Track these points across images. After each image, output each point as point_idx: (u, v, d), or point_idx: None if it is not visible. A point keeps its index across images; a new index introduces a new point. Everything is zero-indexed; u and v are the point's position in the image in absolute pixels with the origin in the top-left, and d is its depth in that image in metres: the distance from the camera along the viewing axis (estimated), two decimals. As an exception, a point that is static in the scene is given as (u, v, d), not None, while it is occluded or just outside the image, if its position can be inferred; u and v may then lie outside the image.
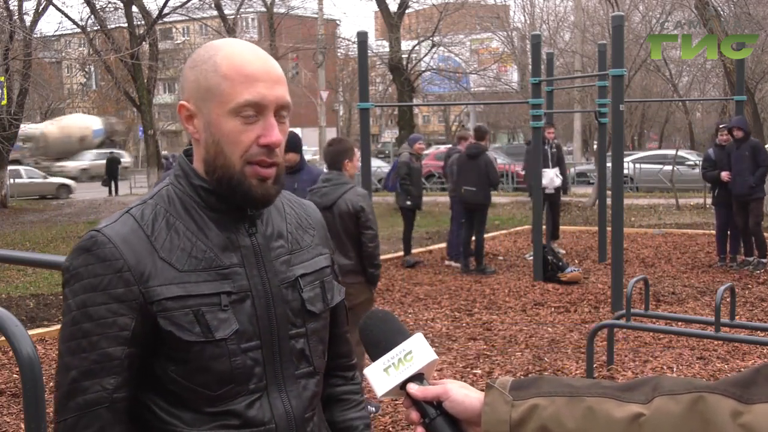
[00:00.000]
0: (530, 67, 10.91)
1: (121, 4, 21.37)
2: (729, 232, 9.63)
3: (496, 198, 14.26)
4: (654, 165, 23.10)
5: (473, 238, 9.84)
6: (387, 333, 1.23)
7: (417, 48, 26.68)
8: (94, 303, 1.30)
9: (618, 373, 5.55)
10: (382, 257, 5.89)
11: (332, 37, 32.50)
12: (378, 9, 25.48)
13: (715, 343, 6.03)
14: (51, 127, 35.82)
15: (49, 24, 77.68)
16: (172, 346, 1.32)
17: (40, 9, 20.61)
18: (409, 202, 10.30)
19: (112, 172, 28.71)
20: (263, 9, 29.68)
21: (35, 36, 20.85)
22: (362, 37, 9.14)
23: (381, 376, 1.19)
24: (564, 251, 10.84)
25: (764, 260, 9.24)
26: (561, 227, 11.79)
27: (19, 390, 5.17)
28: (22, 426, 4.25)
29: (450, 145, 15.67)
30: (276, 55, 24.73)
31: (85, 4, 20.20)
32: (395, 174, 10.69)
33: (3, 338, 2.61)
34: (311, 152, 34.33)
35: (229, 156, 1.36)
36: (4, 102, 17.77)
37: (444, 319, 7.36)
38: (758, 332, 5.43)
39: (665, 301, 7.75)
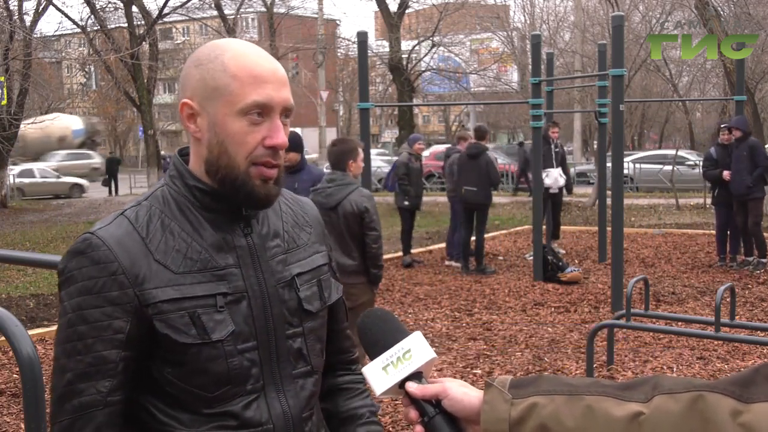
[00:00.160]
0: (530, 67, 10.91)
1: (121, 4, 21.39)
2: (729, 232, 9.63)
3: (496, 198, 14.25)
4: (654, 165, 23.10)
5: (473, 238, 9.84)
6: (385, 331, 1.23)
7: (417, 48, 26.70)
8: (89, 306, 1.29)
9: (618, 373, 5.55)
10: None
11: (332, 37, 32.52)
12: (378, 9, 25.50)
13: (715, 343, 6.03)
14: (30, 127, 35.40)
15: (49, 24, 77.79)
16: (168, 349, 1.32)
17: (40, 9, 20.62)
18: (406, 203, 10.27)
19: (112, 172, 28.71)
20: (263, 9, 29.69)
21: (35, 36, 20.85)
22: (362, 37, 9.14)
23: (379, 374, 1.19)
24: (564, 251, 10.84)
25: (764, 260, 9.24)
26: (561, 227, 11.79)
27: (19, 390, 5.18)
28: (22, 426, 4.25)
29: (449, 145, 15.66)
30: (276, 55, 24.72)
31: (85, 4, 20.22)
32: (394, 174, 10.68)
33: (3, 338, 2.60)
34: (312, 152, 34.34)
35: (233, 156, 1.35)
36: (4, 102, 17.76)
37: (444, 319, 7.36)
38: (758, 332, 5.43)
39: (665, 301, 7.75)
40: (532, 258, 9.49)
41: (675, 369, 5.62)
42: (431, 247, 11.74)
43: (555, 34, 27.64)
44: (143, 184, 26.83)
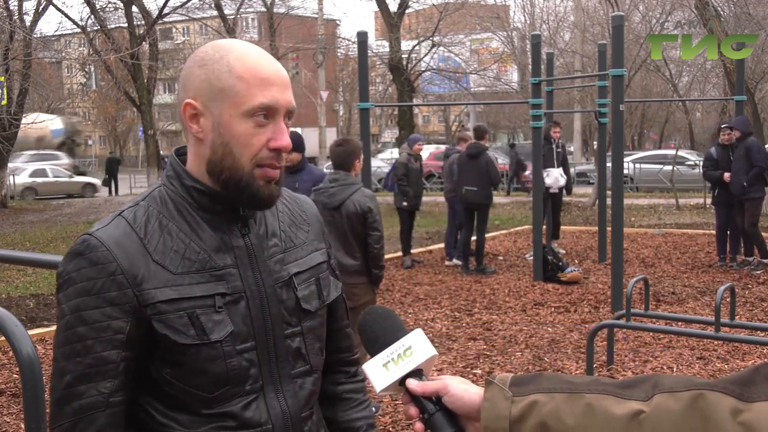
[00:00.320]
0: (530, 67, 10.91)
1: (121, 4, 21.40)
2: (729, 232, 9.64)
3: (496, 198, 14.25)
4: (654, 165, 23.11)
5: (474, 237, 9.84)
6: (386, 329, 1.23)
7: (417, 48, 26.68)
8: (88, 307, 1.29)
9: (618, 373, 5.55)
10: (382, 257, 5.90)
11: (332, 37, 32.50)
12: (378, 9, 25.48)
13: (715, 343, 6.03)
14: None
15: (49, 24, 77.88)
16: (167, 349, 1.32)
17: (40, 9, 20.62)
18: (405, 203, 10.28)
19: (112, 172, 28.71)
20: (263, 9, 29.69)
21: (35, 36, 20.85)
22: (362, 37, 9.15)
23: (380, 371, 1.19)
24: (564, 251, 10.84)
25: (766, 261, 9.23)
26: (561, 227, 11.79)
27: (19, 390, 5.17)
28: (22, 426, 4.25)
29: (448, 145, 15.66)
30: (276, 55, 24.74)
31: (85, 4, 20.23)
32: (393, 174, 10.68)
33: (3, 338, 2.60)
34: (312, 152, 34.34)
35: (238, 158, 1.35)
36: (4, 102, 17.76)
37: (444, 319, 7.36)
38: (758, 332, 5.43)
39: (665, 301, 7.75)
40: (532, 258, 9.49)
41: (675, 369, 5.62)
42: (431, 247, 11.74)
43: (555, 34, 27.64)
44: (143, 184, 26.85)
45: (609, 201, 8.54)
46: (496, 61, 30.66)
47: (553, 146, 10.49)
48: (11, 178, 23.30)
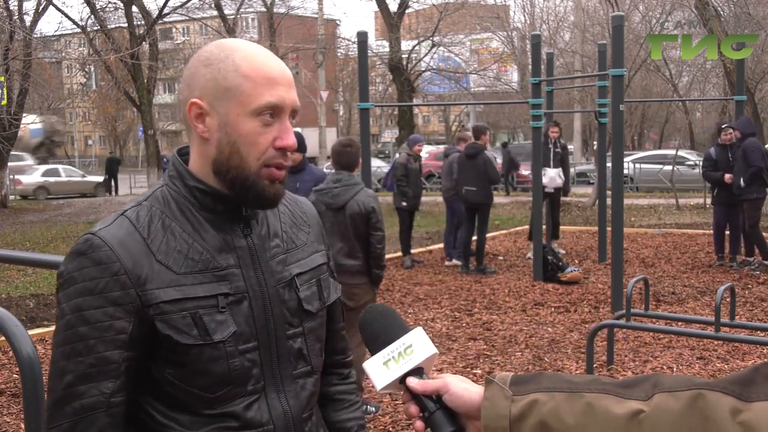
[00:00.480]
0: (530, 67, 10.91)
1: (121, 4, 21.39)
2: (729, 232, 9.64)
3: (496, 198, 14.25)
4: (654, 165, 23.11)
5: (474, 237, 9.84)
6: (387, 327, 1.23)
7: (417, 48, 26.68)
8: (90, 306, 1.28)
9: (618, 373, 5.55)
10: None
11: (332, 37, 32.51)
12: (378, 9, 25.48)
13: (715, 343, 6.03)
14: None
15: (49, 24, 77.86)
16: (170, 349, 1.31)
17: (40, 9, 20.62)
18: (404, 203, 10.30)
19: (112, 172, 28.72)
20: (263, 9, 29.67)
21: (35, 36, 20.84)
22: (362, 37, 9.15)
23: (380, 369, 1.19)
24: (564, 251, 10.84)
25: (767, 262, 9.22)
26: (561, 227, 11.79)
27: (19, 390, 5.18)
28: (22, 426, 4.25)
29: (447, 145, 15.66)
30: (276, 55, 24.67)
31: (85, 4, 20.22)
32: (392, 174, 10.69)
33: (3, 338, 2.60)
34: (312, 152, 34.34)
35: (245, 157, 1.35)
36: (4, 102, 17.77)
37: (444, 319, 7.36)
38: (758, 332, 5.43)
39: (665, 301, 7.75)
40: (531, 258, 9.48)
41: (675, 369, 5.62)
42: (431, 247, 11.74)
43: (555, 34, 27.66)
44: (143, 184, 26.86)
45: (609, 201, 8.55)
46: (496, 61, 30.67)
47: (550, 146, 10.47)
48: (9, 177, 23.29)
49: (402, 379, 1.18)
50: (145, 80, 21.25)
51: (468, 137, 10.31)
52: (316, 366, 1.49)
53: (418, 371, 1.19)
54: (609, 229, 8.38)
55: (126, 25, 21.87)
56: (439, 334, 6.76)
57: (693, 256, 10.38)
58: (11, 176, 22.86)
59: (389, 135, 50.21)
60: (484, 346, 6.34)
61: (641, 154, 26.68)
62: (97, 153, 54.68)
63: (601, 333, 5.69)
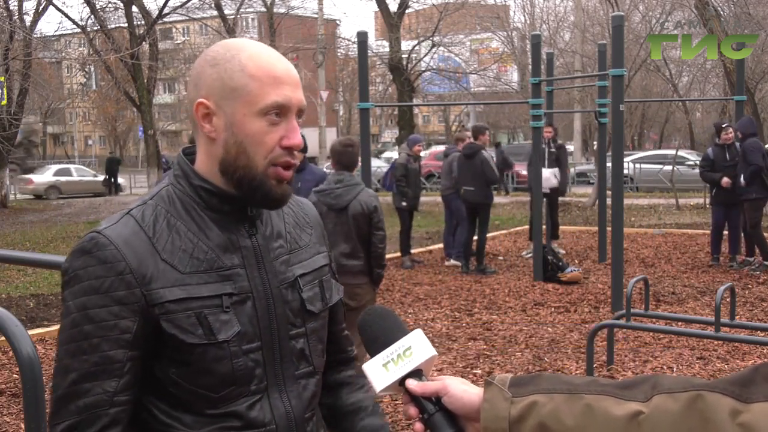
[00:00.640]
0: (530, 67, 10.91)
1: (121, 4, 21.36)
2: (728, 232, 9.64)
3: (496, 198, 14.25)
4: (654, 165, 23.10)
5: (475, 237, 9.84)
6: (386, 329, 1.23)
7: (417, 48, 26.68)
8: (95, 305, 1.29)
9: (618, 373, 5.55)
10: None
11: (332, 37, 32.50)
12: (378, 9, 25.47)
13: (715, 343, 6.03)
14: None
15: (49, 24, 77.74)
16: (174, 349, 1.32)
17: (40, 9, 20.63)
18: (404, 203, 10.32)
19: (112, 172, 28.73)
20: (263, 9, 29.66)
21: (35, 36, 20.86)
22: (362, 37, 9.15)
23: (380, 371, 1.19)
24: (564, 251, 10.84)
25: (767, 262, 9.21)
26: (561, 227, 11.78)
27: (19, 390, 5.18)
28: (22, 426, 4.25)
29: (447, 145, 15.67)
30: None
31: (85, 4, 20.20)
32: (392, 174, 10.69)
33: (3, 338, 2.60)
34: (312, 152, 34.32)
35: (252, 156, 1.35)
36: (4, 102, 17.78)
37: (444, 319, 7.36)
38: (758, 332, 5.43)
39: (665, 301, 7.75)
40: (529, 256, 9.48)
41: (675, 369, 5.62)
42: (431, 247, 11.75)
43: (555, 34, 27.67)
44: (143, 184, 26.86)
45: (609, 201, 8.54)
46: (496, 61, 30.67)
47: (544, 146, 10.46)
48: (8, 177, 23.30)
49: (401, 381, 1.18)
50: (145, 80, 21.23)
51: (467, 137, 10.32)
52: (318, 367, 1.49)
53: (417, 373, 1.19)
54: (609, 229, 8.38)
55: (126, 25, 21.84)
56: (439, 334, 6.76)
57: (693, 256, 10.38)
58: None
59: (389, 135, 50.24)
60: (484, 346, 6.34)
61: (641, 154, 26.67)
62: (97, 153, 54.66)
63: (601, 333, 5.69)
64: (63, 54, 34.40)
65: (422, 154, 12.01)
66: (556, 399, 1.07)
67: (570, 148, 30.99)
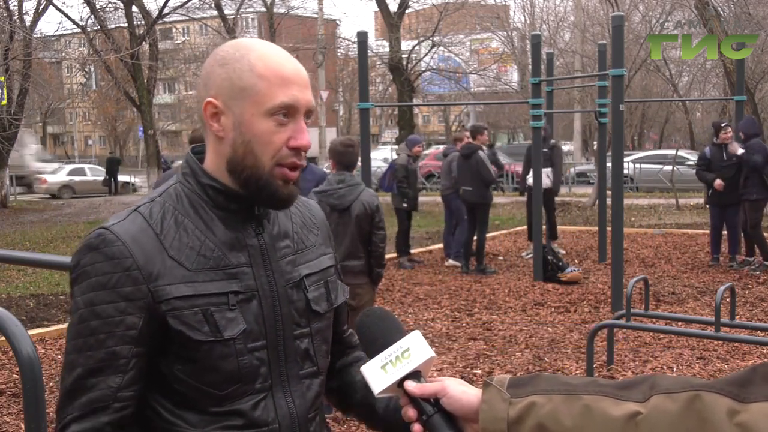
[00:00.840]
0: (530, 67, 10.91)
1: (121, 4, 21.37)
2: (727, 232, 9.64)
3: (496, 198, 14.25)
4: (654, 165, 23.09)
5: (474, 237, 9.84)
6: (384, 330, 1.24)
7: (417, 48, 26.68)
8: (102, 301, 1.30)
9: (618, 373, 5.55)
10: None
11: (332, 37, 32.51)
12: (378, 9, 25.48)
13: (715, 343, 6.03)
14: None
15: (49, 24, 77.70)
16: (181, 345, 1.32)
17: (40, 9, 20.62)
18: (405, 205, 10.34)
19: (112, 172, 28.75)
20: (263, 9, 29.67)
21: (35, 36, 20.85)
22: (362, 37, 9.15)
23: (378, 373, 1.19)
24: (564, 251, 10.84)
25: (767, 262, 9.21)
26: (561, 227, 11.77)
27: (19, 390, 5.18)
28: (22, 426, 4.25)
29: (447, 145, 15.68)
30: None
31: (85, 4, 20.20)
32: (391, 174, 10.68)
33: (3, 338, 2.61)
34: (312, 152, 34.32)
35: (259, 156, 1.36)
36: (4, 102, 17.78)
37: (444, 319, 7.36)
38: (758, 332, 5.43)
39: (665, 301, 7.75)
40: (529, 257, 9.47)
41: (675, 369, 5.62)
42: (431, 247, 11.75)
43: (555, 34, 27.67)
44: (143, 184, 26.88)
45: (609, 201, 8.54)
46: (496, 61, 30.67)
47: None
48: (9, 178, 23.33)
49: (400, 383, 1.19)
50: (145, 80, 21.23)
51: (465, 136, 10.32)
52: (322, 367, 1.50)
53: (416, 374, 1.19)
54: (609, 229, 8.38)
55: (126, 25, 21.84)
56: (439, 334, 6.76)
57: (693, 256, 10.38)
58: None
59: (389, 135, 50.21)
60: (484, 346, 6.34)
61: (641, 154, 26.66)
62: (97, 153, 54.67)
63: (601, 333, 5.69)
64: (63, 54, 34.41)
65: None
66: (554, 400, 1.07)
67: (570, 148, 31.02)
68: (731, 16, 16.41)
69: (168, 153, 37.22)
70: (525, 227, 12.48)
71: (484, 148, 10.04)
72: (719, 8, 16.56)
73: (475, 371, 5.66)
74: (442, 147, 22.72)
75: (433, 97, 34.01)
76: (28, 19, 20.31)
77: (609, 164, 9.46)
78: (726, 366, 5.66)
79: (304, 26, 33.17)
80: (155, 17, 21.30)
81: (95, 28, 21.48)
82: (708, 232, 10.46)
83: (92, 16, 20.69)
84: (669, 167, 19.76)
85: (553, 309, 7.63)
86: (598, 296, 8.09)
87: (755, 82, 18.13)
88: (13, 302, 8.23)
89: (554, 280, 8.82)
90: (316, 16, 30.59)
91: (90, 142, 59.26)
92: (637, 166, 23.26)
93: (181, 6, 23.01)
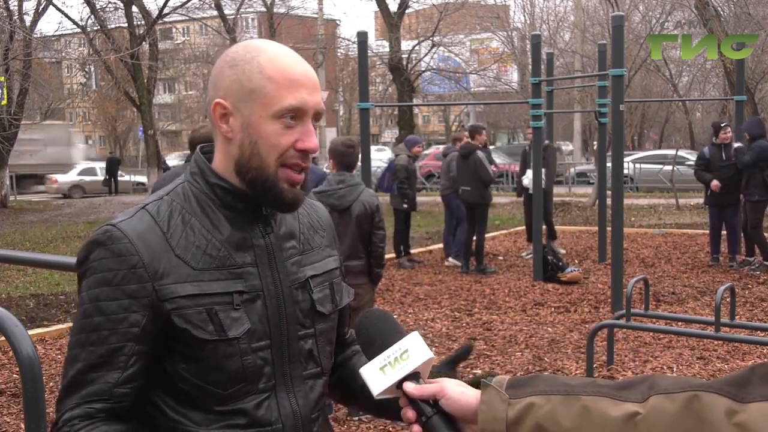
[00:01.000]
0: (530, 67, 10.91)
1: (121, 4, 21.37)
2: (726, 232, 9.63)
3: (496, 198, 14.25)
4: (654, 165, 23.09)
5: (474, 237, 9.84)
6: (383, 332, 1.24)
7: (417, 48, 26.69)
8: (106, 298, 1.30)
9: (618, 373, 5.55)
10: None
11: (332, 37, 32.52)
12: (378, 9, 25.49)
13: (715, 343, 6.03)
14: None
15: (49, 24, 77.68)
16: (186, 344, 1.33)
17: (40, 9, 20.62)
18: (405, 205, 10.36)
19: (112, 172, 28.76)
20: (263, 9, 29.68)
21: (35, 36, 20.85)
22: (362, 37, 9.15)
23: (377, 374, 1.19)
24: (564, 251, 10.84)
25: (767, 263, 9.21)
26: (561, 227, 11.76)
27: (19, 390, 5.18)
28: (22, 426, 4.25)
29: (446, 145, 15.69)
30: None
31: (85, 4, 20.20)
32: (390, 175, 10.68)
33: (3, 338, 2.61)
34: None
35: (265, 158, 1.36)
36: (4, 102, 17.79)
37: (444, 319, 7.36)
38: (758, 332, 5.43)
39: (665, 301, 7.75)
40: (529, 257, 9.46)
41: (675, 369, 5.62)
42: (431, 247, 11.75)
43: (555, 34, 27.67)
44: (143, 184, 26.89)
45: (609, 201, 8.55)
46: (496, 61, 30.67)
47: (527, 148, 10.39)
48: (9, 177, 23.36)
49: (399, 384, 1.19)
50: (145, 80, 21.23)
51: (464, 136, 10.32)
52: (325, 368, 1.50)
53: (414, 376, 1.19)
54: (609, 229, 8.38)
55: (126, 25, 21.84)
56: (439, 334, 6.76)
57: (693, 256, 10.38)
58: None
59: (389, 135, 50.21)
60: (484, 346, 6.34)
61: (641, 154, 26.66)
62: (97, 153, 54.66)
63: (601, 333, 5.69)
64: (63, 54, 34.41)
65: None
66: (553, 400, 1.07)
67: (570, 148, 31.03)
68: (731, 16, 16.42)
69: (167, 153, 37.18)
70: (525, 227, 12.49)
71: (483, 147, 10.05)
72: (719, 8, 16.56)
73: (475, 371, 5.66)
74: (441, 147, 22.72)
75: (433, 97, 34.02)
76: (28, 19, 20.32)
77: (609, 164, 9.46)
78: (726, 366, 5.66)
79: (304, 26, 33.17)
80: (155, 17, 21.30)
81: (95, 28, 21.48)
82: (708, 232, 10.47)
83: (92, 16, 20.69)
84: (669, 167, 19.76)
85: (553, 309, 7.63)
86: (598, 296, 8.09)
87: (755, 82, 18.13)
88: (13, 302, 8.24)
89: (554, 280, 8.82)
90: (316, 16, 30.61)
91: (90, 142, 59.25)
92: (637, 166, 23.26)
93: (181, 6, 23.01)
